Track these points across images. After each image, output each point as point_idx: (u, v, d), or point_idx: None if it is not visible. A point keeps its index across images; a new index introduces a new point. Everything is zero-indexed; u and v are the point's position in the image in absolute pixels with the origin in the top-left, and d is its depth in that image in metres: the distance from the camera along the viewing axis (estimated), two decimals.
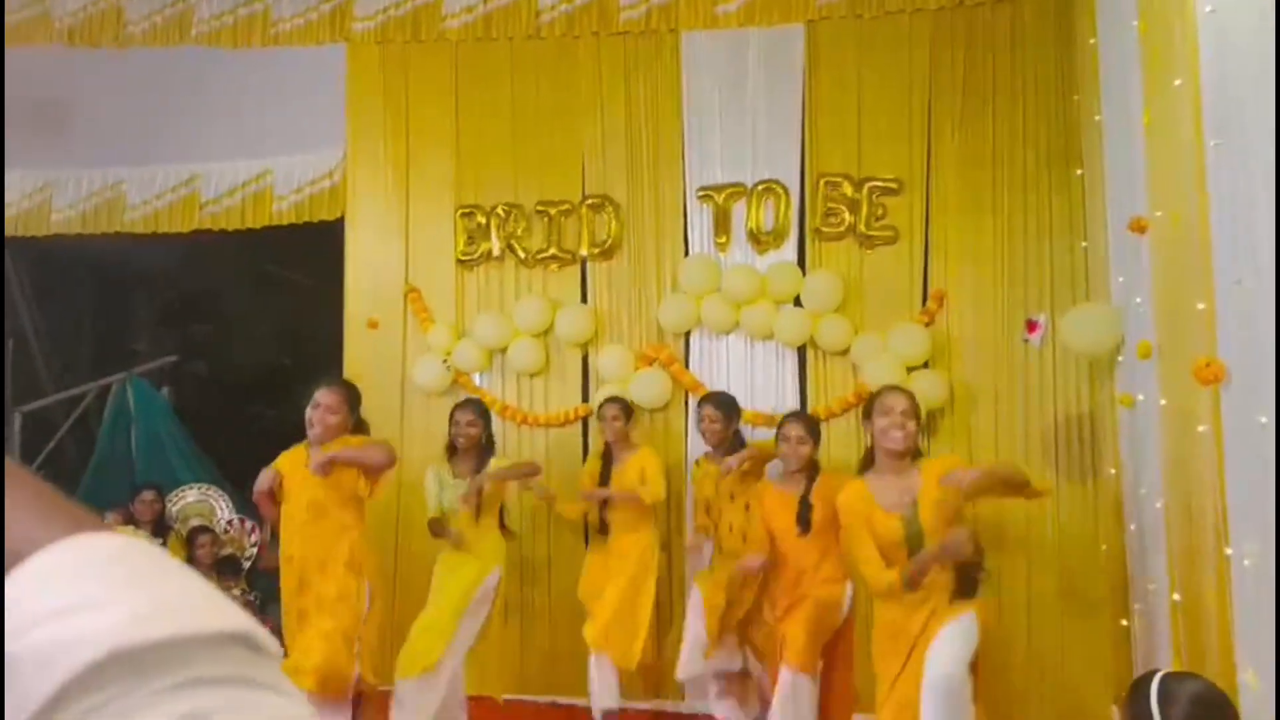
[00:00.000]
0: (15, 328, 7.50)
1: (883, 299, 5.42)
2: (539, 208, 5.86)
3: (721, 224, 5.65)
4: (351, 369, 5.80)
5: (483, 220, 5.93)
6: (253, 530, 6.56)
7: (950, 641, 3.55)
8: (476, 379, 5.88)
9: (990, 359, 5.29)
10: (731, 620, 4.80)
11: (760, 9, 5.63)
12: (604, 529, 5.20)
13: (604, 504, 5.18)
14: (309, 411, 4.41)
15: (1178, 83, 3.23)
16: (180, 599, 0.47)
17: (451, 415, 5.04)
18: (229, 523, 6.60)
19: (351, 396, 4.53)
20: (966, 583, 3.66)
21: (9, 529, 0.48)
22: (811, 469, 4.59)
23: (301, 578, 4.33)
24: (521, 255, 5.88)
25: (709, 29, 5.71)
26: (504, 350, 5.81)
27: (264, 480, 4.40)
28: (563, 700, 5.36)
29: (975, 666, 3.60)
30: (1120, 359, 4.61)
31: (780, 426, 4.71)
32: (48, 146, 6.20)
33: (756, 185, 5.60)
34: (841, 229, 5.49)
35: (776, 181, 5.58)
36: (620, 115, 5.81)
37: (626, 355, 5.65)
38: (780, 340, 5.52)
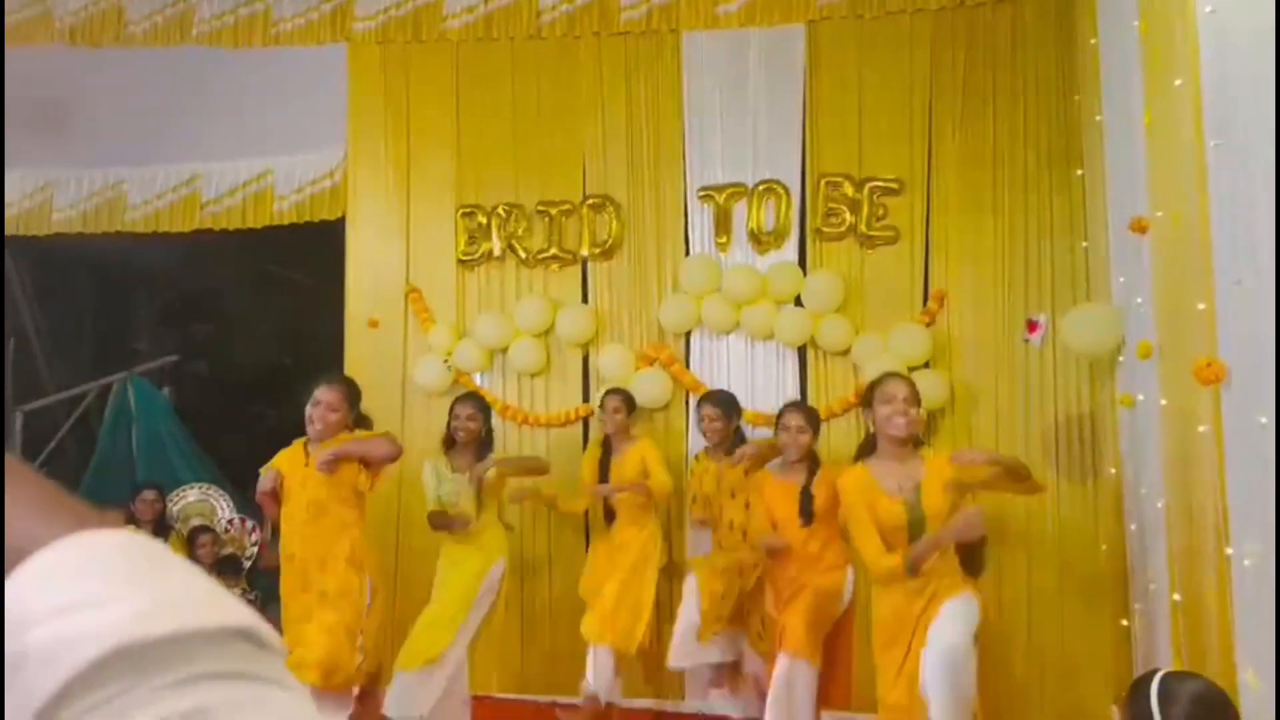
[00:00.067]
0: (16, 327, 7.50)
1: (883, 299, 5.42)
2: (540, 208, 5.86)
3: (722, 224, 5.65)
4: (352, 369, 5.78)
5: (483, 220, 5.93)
6: (253, 529, 6.57)
7: (953, 618, 3.55)
8: (477, 379, 5.87)
9: (991, 359, 5.29)
10: (726, 609, 4.80)
11: (761, 9, 5.63)
12: (609, 517, 5.19)
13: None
14: (309, 409, 4.42)
15: (1178, 83, 3.23)
16: (183, 595, 0.47)
17: (451, 408, 5.04)
18: (229, 522, 6.61)
19: (351, 393, 4.54)
20: (974, 561, 3.66)
21: (11, 526, 0.48)
22: (812, 460, 4.60)
23: (303, 576, 4.34)
24: (522, 255, 5.88)
25: (710, 29, 5.71)
26: (505, 350, 5.81)
27: (267, 480, 4.41)
28: (563, 700, 5.35)
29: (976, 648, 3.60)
30: (1121, 359, 4.61)
31: (780, 416, 4.72)
32: (48, 146, 6.19)
33: (757, 185, 5.60)
34: (842, 229, 5.49)
35: (777, 181, 5.58)
36: (621, 115, 5.81)
37: (627, 355, 5.65)
38: (781, 340, 5.51)
